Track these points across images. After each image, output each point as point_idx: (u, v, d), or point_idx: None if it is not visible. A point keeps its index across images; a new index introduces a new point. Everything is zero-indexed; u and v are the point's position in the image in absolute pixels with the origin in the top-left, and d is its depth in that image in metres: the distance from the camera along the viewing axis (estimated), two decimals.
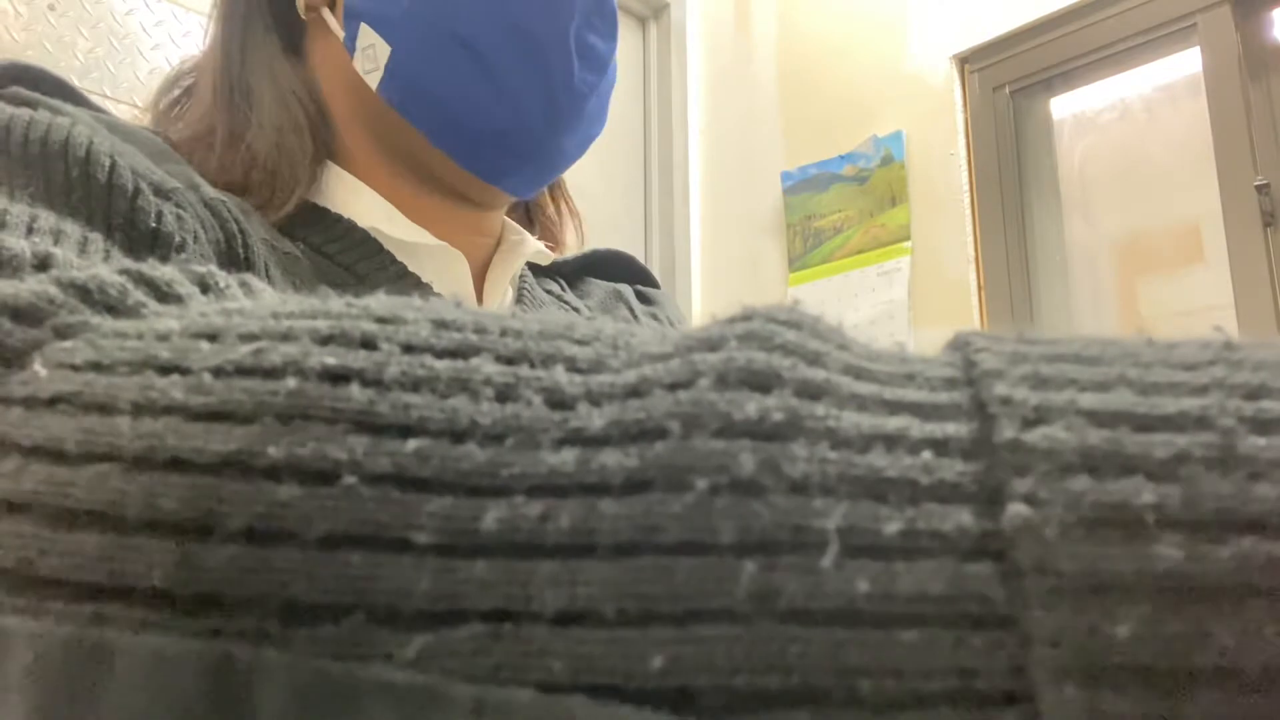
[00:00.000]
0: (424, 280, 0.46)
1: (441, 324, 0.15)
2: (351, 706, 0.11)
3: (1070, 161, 1.87)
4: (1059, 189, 1.87)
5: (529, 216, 0.60)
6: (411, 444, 0.13)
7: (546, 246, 0.56)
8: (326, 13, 0.48)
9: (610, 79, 0.51)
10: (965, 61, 1.95)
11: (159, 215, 0.35)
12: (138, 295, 0.18)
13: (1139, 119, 1.79)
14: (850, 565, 0.12)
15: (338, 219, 0.46)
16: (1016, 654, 0.11)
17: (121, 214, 0.34)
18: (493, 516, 0.12)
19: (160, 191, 0.36)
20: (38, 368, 0.15)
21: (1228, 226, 1.59)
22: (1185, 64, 1.71)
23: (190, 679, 0.12)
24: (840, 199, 2.08)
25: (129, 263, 0.19)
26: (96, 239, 0.32)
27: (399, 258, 0.46)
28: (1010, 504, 0.12)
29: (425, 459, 0.13)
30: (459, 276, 0.49)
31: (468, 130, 0.46)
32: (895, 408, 0.13)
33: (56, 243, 0.29)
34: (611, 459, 0.12)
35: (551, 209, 0.60)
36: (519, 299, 0.53)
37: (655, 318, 0.60)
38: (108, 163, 0.35)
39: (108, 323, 0.17)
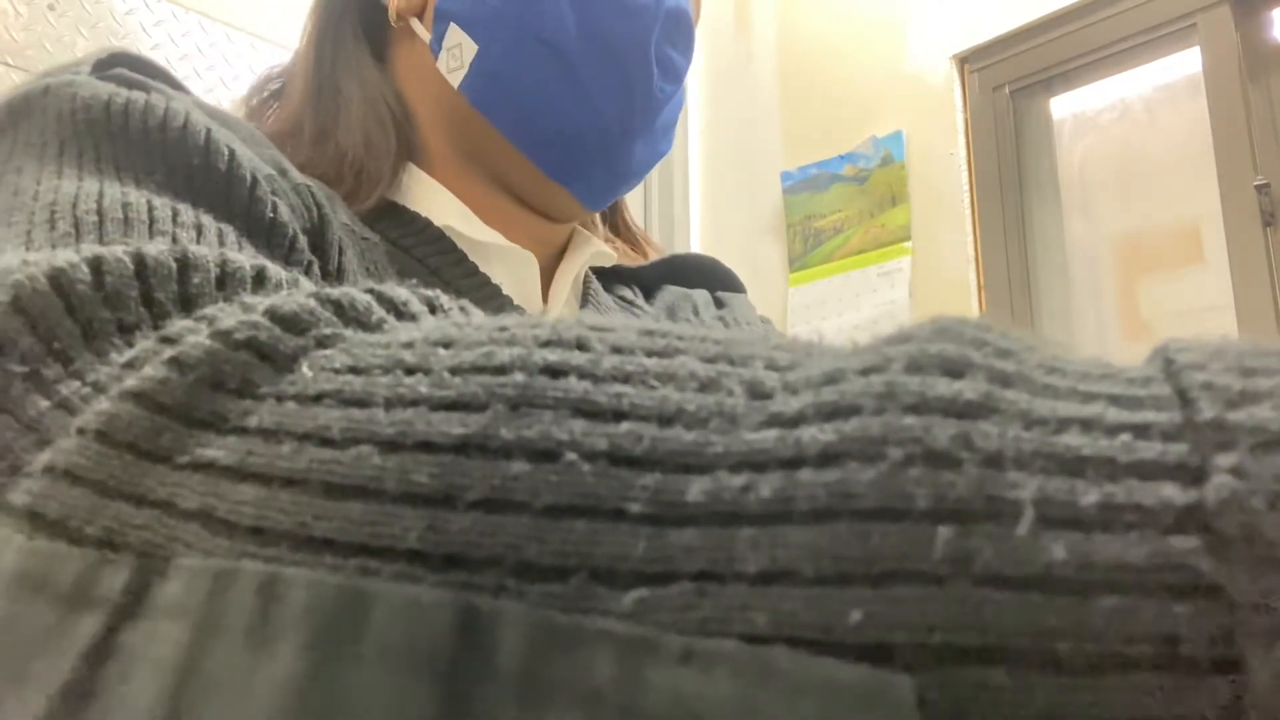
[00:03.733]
0: (493, 280, 0.47)
1: (647, 332, 0.17)
2: (576, 649, 0.13)
3: (1070, 161, 1.87)
4: (1059, 189, 1.87)
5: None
6: (624, 426, 0.14)
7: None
8: (415, 21, 0.50)
9: (681, 99, 0.53)
10: (965, 61, 1.95)
11: (274, 206, 0.36)
12: (380, 312, 0.20)
13: (1139, 119, 1.79)
14: (1046, 534, 0.12)
15: (414, 216, 0.48)
16: (1224, 621, 0.11)
17: (241, 204, 0.35)
18: (698, 489, 0.13)
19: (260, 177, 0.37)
20: (305, 370, 0.18)
21: (1228, 226, 1.58)
22: (1185, 64, 1.71)
23: (439, 621, 0.13)
24: (840, 199, 2.08)
25: (371, 284, 0.21)
26: (229, 232, 0.33)
27: (470, 257, 0.47)
28: (1215, 476, 0.12)
29: (637, 439, 0.14)
30: (528, 278, 0.50)
31: (543, 127, 0.48)
32: (1090, 397, 0.13)
33: (200, 238, 0.31)
34: (807, 434, 0.13)
35: (626, 233, 0.63)
36: (583, 304, 0.54)
37: (723, 320, 0.60)
38: (226, 152, 0.35)
39: (359, 335, 0.19)
